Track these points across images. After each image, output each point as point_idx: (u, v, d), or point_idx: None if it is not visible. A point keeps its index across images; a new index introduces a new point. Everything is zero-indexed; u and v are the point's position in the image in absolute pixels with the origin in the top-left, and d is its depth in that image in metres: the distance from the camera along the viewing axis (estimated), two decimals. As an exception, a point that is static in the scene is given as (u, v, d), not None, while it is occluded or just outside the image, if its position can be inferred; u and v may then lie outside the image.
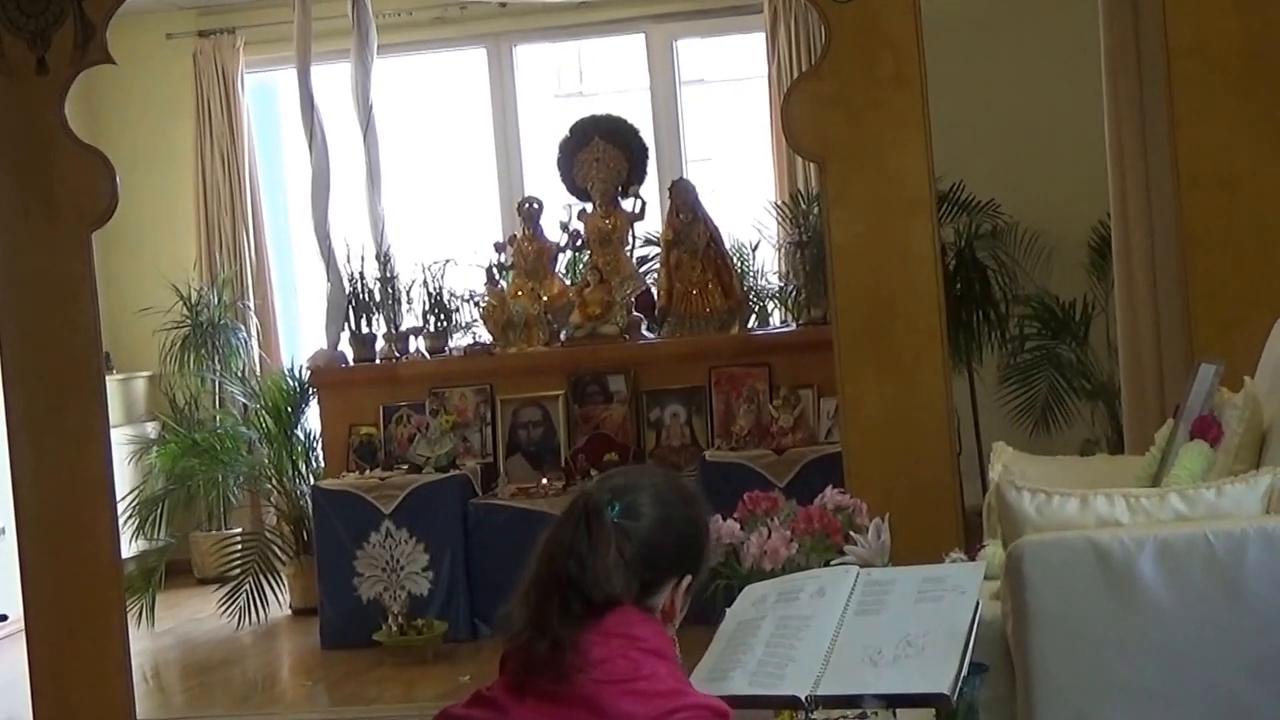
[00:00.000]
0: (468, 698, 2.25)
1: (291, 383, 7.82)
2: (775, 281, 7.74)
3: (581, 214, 7.15)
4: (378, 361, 7.16)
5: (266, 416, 7.75)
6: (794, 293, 7.32)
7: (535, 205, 7.18)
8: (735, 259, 7.21)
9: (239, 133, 8.67)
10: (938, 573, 2.59)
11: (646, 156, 7.26)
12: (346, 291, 7.21)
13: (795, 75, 7.34)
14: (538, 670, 2.17)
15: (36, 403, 5.15)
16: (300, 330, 8.95)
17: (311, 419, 7.71)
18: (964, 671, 2.33)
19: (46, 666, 5.15)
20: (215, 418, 8.28)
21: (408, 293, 7.21)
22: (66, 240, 5.14)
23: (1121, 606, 2.84)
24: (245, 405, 8.22)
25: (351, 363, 7.21)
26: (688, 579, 2.32)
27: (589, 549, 2.20)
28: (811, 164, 6.62)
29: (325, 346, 7.31)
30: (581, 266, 7.36)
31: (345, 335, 7.23)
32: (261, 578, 7.17)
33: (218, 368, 8.37)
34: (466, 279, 7.28)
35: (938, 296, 4.91)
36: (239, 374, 8.39)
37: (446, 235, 8.15)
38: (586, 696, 2.13)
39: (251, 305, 8.67)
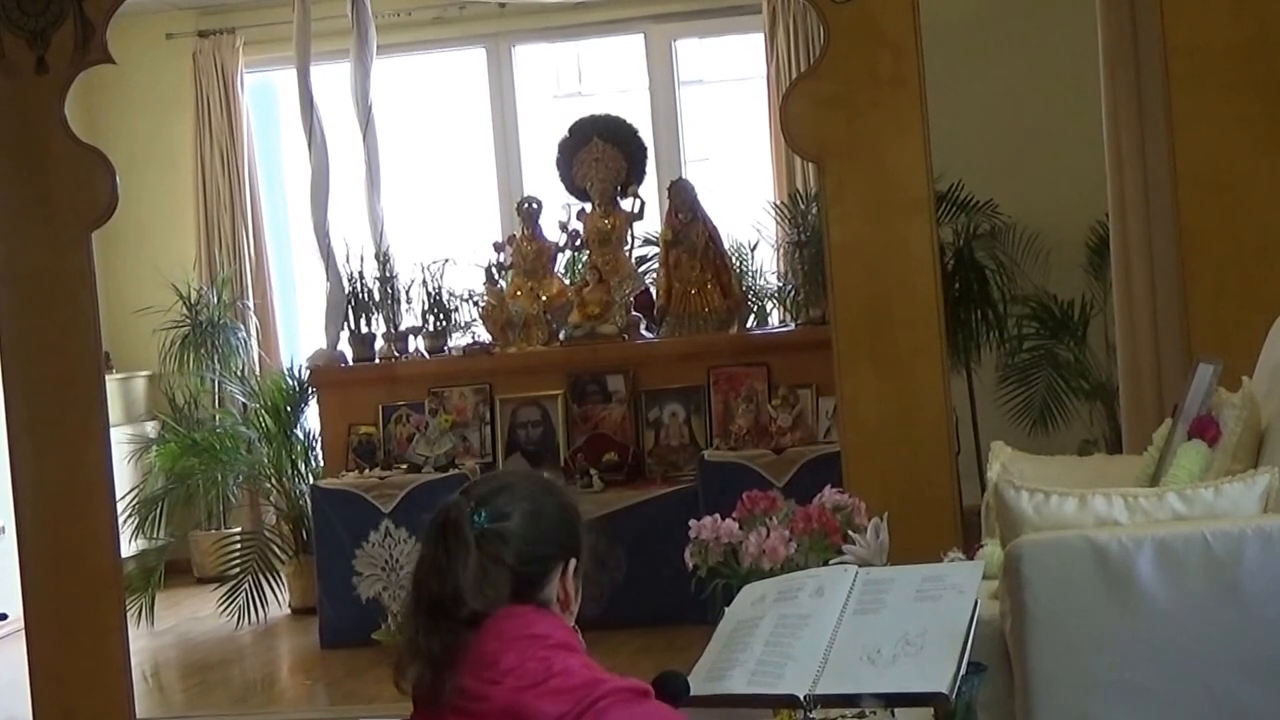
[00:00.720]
0: None
1: (291, 382, 7.82)
2: (774, 281, 7.74)
3: (580, 214, 7.15)
4: (377, 361, 7.16)
5: (266, 416, 7.75)
6: (792, 292, 7.32)
7: (534, 205, 7.19)
8: (734, 259, 7.21)
9: (239, 133, 8.68)
10: (936, 572, 2.60)
11: (645, 156, 7.27)
12: (346, 291, 7.22)
13: (794, 75, 7.34)
14: (440, 692, 2.16)
15: (36, 402, 5.16)
16: (300, 330, 8.95)
17: (311, 418, 7.71)
18: (962, 671, 2.34)
19: (46, 666, 5.16)
20: (215, 417, 8.28)
21: (407, 292, 7.21)
22: (66, 240, 5.15)
23: (1120, 606, 2.85)
24: (245, 405, 8.22)
25: (351, 362, 7.21)
26: (573, 563, 2.31)
27: (447, 563, 2.20)
28: (810, 164, 6.63)
29: (325, 346, 7.31)
30: (580, 266, 7.36)
31: (344, 335, 7.23)
32: (261, 577, 7.17)
33: (217, 367, 8.37)
34: (466, 279, 7.29)
35: (936, 296, 4.92)
36: (238, 373, 8.39)
37: (446, 235, 8.16)
38: (506, 706, 2.12)
39: (251, 305, 8.67)
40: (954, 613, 2.42)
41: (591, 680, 2.14)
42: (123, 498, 6.39)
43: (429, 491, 6.57)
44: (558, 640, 2.20)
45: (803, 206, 7.31)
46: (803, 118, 4.97)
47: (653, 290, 7.11)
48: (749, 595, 2.69)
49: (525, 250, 7.10)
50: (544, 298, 7.02)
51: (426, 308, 7.17)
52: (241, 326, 8.54)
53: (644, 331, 7.03)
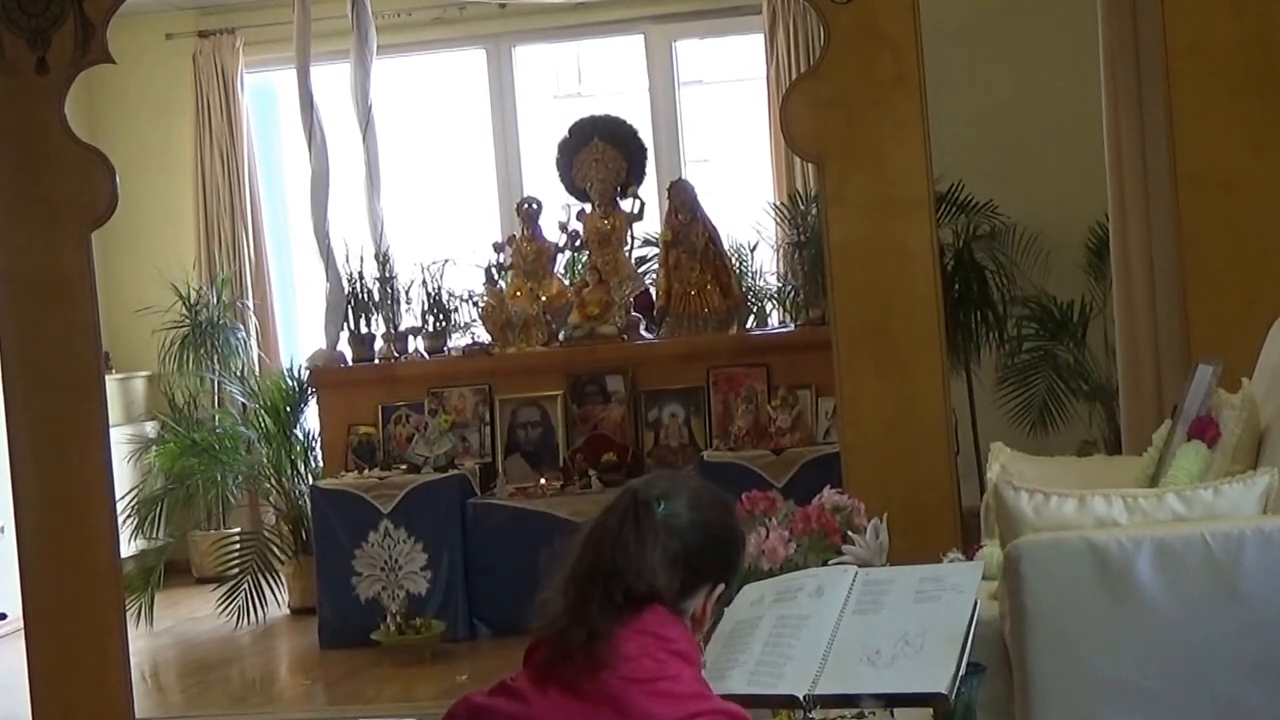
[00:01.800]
0: (491, 686, 2.27)
1: (290, 382, 7.82)
2: (774, 282, 7.74)
3: (580, 214, 7.16)
4: (376, 361, 7.16)
5: (265, 416, 7.75)
6: (792, 293, 7.32)
7: (534, 205, 7.19)
8: (734, 259, 7.21)
9: (239, 133, 8.68)
10: (936, 572, 2.60)
11: (645, 157, 7.27)
12: (345, 291, 7.22)
13: (794, 76, 7.34)
14: (569, 661, 2.19)
15: (36, 402, 5.16)
16: (299, 330, 8.95)
17: (310, 419, 7.70)
18: (962, 671, 2.34)
19: (46, 665, 5.16)
20: (214, 417, 8.28)
21: (406, 293, 7.22)
22: (66, 240, 5.14)
23: (1119, 607, 2.84)
24: (244, 405, 8.22)
25: (350, 362, 7.21)
26: (720, 587, 2.36)
27: (636, 540, 2.24)
28: (810, 164, 6.63)
29: (324, 346, 7.31)
30: (580, 267, 7.36)
31: (344, 335, 7.23)
32: (260, 577, 7.16)
33: (217, 367, 8.37)
34: (465, 279, 7.29)
35: (936, 297, 4.91)
36: (238, 374, 8.40)
37: (445, 235, 8.16)
38: (611, 694, 2.15)
39: (250, 305, 8.67)
40: (953, 613, 2.42)
41: (698, 694, 2.19)
42: (122, 498, 6.38)
43: (428, 492, 6.60)
44: (680, 648, 2.23)
45: (803, 207, 7.31)
46: (803, 118, 4.96)
47: (652, 291, 7.11)
48: (749, 595, 2.69)
49: (525, 251, 7.10)
50: (544, 298, 7.02)
51: (426, 308, 7.17)
52: (241, 327, 8.54)
53: (643, 332, 7.03)
